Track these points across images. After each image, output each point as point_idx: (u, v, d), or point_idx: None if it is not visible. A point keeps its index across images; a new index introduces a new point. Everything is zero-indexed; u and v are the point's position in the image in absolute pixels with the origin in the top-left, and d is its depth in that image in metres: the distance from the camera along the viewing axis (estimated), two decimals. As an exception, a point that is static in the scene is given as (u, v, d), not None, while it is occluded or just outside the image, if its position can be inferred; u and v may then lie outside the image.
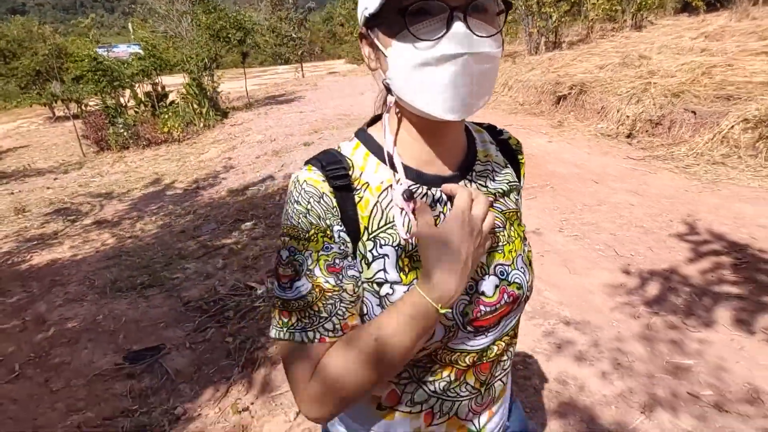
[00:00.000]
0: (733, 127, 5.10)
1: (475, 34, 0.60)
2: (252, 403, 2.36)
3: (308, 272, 0.66)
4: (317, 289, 0.66)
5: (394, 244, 0.69)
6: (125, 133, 9.58)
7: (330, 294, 0.66)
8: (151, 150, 9.52)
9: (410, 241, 0.69)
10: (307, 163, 0.72)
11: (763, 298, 2.69)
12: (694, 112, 5.67)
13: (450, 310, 0.66)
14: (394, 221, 0.69)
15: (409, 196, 0.67)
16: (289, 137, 8.64)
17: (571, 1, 12.05)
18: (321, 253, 0.66)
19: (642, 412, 2.04)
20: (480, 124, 0.86)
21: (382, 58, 0.66)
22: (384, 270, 0.68)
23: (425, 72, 0.61)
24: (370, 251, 0.69)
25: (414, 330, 0.63)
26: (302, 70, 23.20)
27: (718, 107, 5.54)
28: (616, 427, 1.98)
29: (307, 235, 0.66)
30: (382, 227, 0.69)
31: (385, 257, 0.68)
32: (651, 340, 2.48)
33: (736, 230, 3.50)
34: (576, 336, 2.57)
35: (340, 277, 0.67)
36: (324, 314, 0.66)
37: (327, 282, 0.66)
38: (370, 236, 0.69)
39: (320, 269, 0.66)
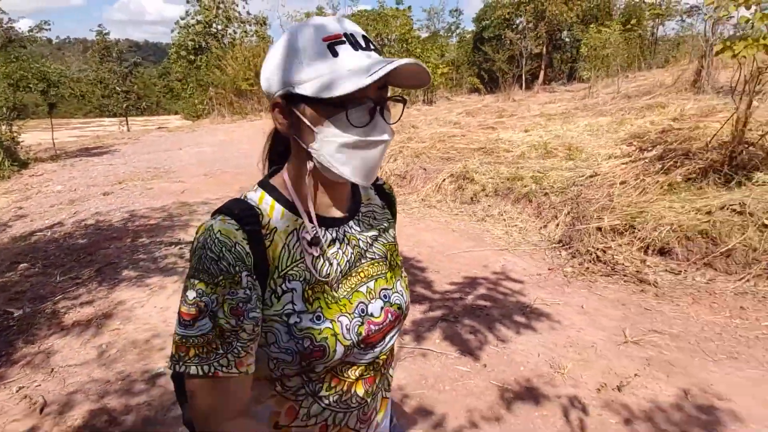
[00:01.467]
0: (444, 180, 6.91)
1: (387, 123, 0.79)
2: (-16, 389, 2.91)
3: (211, 313, 0.73)
4: (217, 329, 0.73)
5: (301, 279, 0.81)
6: None
7: (228, 333, 0.74)
8: (-74, 201, 8.85)
9: (315, 276, 0.82)
10: (218, 213, 0.80)
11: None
12: (425, 169, 7.48)
13: None
14: (302, 259, 0.81)
15: (314, 242, 0.82)
16: (91, 188, 8.84)
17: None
18: (227, 296, 0.73)
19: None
20: None
21: (307, 132, 0.78)
22: (292, 302, 0.79)
23: (352, 150, 0.77)
24: (280, 286, 0.79)
25: None
26: (127, 123, 22.66)
27: (440, 165, 7.41)
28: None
29: (215, 280, 0.73)
30: (290, 265, 0.80)
31: (293, 291, 0.80)
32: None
33: (412, 249, 4.97)
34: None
35: (241, 319, 0.74)
36: (221, 351, 0.74)
37: (228, 323, 0.73)
38: (280, 274, 0.79)
39: (223, 311, 0.73)
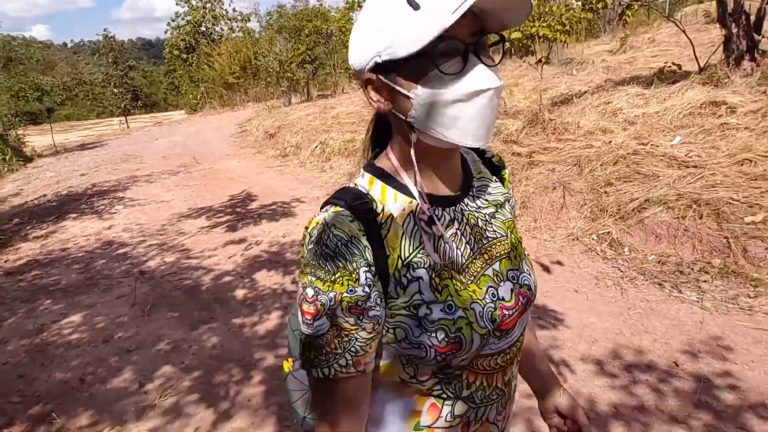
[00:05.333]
0: (316, 147, 9.37)
1: (487, 66, 0.69)
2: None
3: (329, 312, 0.71)
4: (335, 328, 0.71)
5: (426, 266, 0.75)
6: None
7: (347, 333, 0.71)
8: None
9: (440, 261, 0.77)
10: (329, 204, 0.76)
11: (239, 223, 6.56)
12: (309, 140, 9.95)
13: None
14: (423, 245, 0.76)
15: (432, 223, 0.77)
16: (74, 172, 11.59)
17: (314, 65, 16.66)
18: (344, 295, 0.70)
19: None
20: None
21: (403, 101, 0.72)
22: (419, 292, 0.74)
23: (456, 108, 0.68)
24: (404, 276, 0.74)
25: None
26: (126, 121, 25.62)
27: (320, 137, 9.86)
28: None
29: (332, 278, 0.70)
30: (413, 252, 0.75)
31: (420, 280, 0.75)
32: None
33: (261, 193, 7.46)
34: (142, 233, 6.17)
35: (361, 317, 0.71)
36: (339, 351, 0.72)
37: (346, 322, 0.71)
38: (404, 263, 0.75)
39: (342, 309, 0.70)
